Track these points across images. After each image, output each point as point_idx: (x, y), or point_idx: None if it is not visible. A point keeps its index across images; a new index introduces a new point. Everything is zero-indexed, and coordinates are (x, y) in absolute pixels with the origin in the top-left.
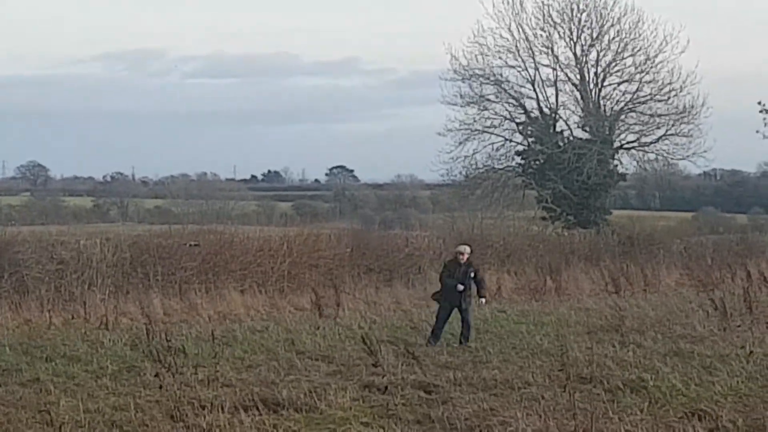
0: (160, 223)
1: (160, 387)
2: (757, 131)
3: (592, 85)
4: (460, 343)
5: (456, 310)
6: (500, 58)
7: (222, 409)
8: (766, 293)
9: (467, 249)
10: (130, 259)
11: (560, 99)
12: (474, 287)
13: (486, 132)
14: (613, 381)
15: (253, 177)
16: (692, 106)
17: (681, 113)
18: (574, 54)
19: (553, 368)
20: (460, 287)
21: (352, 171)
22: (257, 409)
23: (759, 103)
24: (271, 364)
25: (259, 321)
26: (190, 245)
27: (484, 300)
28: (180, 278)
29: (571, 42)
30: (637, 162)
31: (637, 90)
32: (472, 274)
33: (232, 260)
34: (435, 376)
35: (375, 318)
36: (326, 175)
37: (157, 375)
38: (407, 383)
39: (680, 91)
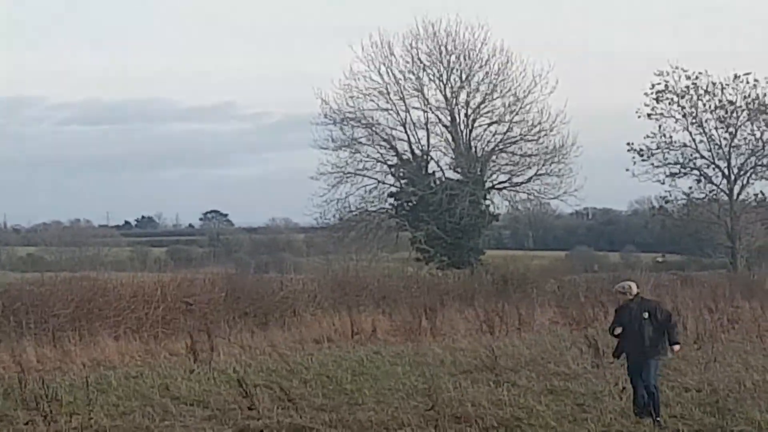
0: (32, 270)
1: None
2: (627, 170)
3: (462, 127)
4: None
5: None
6: (371, 101)
7: None
8: None
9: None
10: (1, 307)
11: (432, 141)
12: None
13: (358, 174)
14: (488, 420)
15: (127, 223)
16: (562, 146)
17: (551, 153)
18: (444, 96)
19: (427, 409)
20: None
21: (226, 215)
22: None
23: (628, 143)
24: (145, 410)
25: (134, 367)
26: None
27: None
28: (53, 326)
29: (441, 84)
30: (510, 202)
31: (507, 131)
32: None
33: (105, 306)
34: (311, 418)
35: (250, 362)
36: (200, 219)
37: (28, 423)
38: (283, 426)
39: (550, 131)
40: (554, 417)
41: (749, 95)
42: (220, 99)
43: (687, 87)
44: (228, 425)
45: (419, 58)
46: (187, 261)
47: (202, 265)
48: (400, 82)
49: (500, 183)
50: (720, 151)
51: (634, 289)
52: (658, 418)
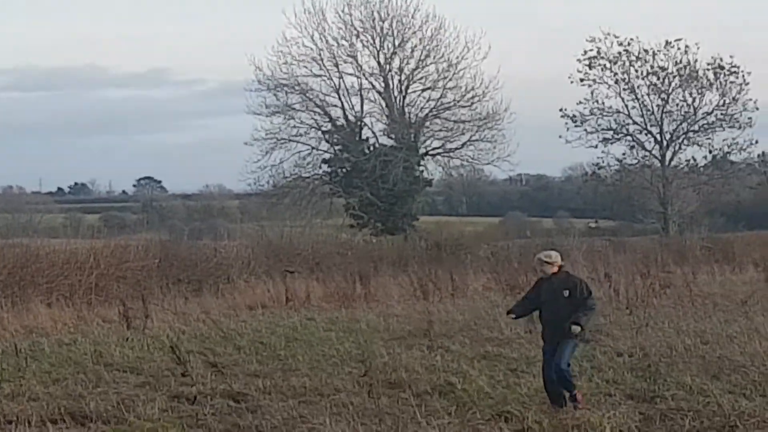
0: None
1: None
2: (560, 136)
3: (396, 93)
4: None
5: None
6: (305, 67)
7: (29, 423)
8: None
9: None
10: None
11: (365, 107)
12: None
13: (292, 141)
14: (421, 385)
15: (60, 189)
16: (495, 112)
17: (484, 119)
18: (378, 62)
19: (362, 375)
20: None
21: (160, 182)
22: (64, 422)
23: (561, 110)
24: (78, 377)
25: (67, 334)
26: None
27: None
28: None
29: (375, 50)
30: (443, 168)
31: (441, 97)
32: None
33: (38, 273)
34: (244, 385)
35: (184, 328)
36: (134, 186)
37: None
38: (216, 393)
39: (483, 97)
40: (487, 382)
41: (681, 61)
42: (154, 65)
43: (619, 53)
44: (161, 392)
45: (352, 25)
46: (120, 228)
47: (136, 232)
48: (333, 48)
49: (434, 149)
50: (652, 117)
51: (558, 260)
52: (573, 392)
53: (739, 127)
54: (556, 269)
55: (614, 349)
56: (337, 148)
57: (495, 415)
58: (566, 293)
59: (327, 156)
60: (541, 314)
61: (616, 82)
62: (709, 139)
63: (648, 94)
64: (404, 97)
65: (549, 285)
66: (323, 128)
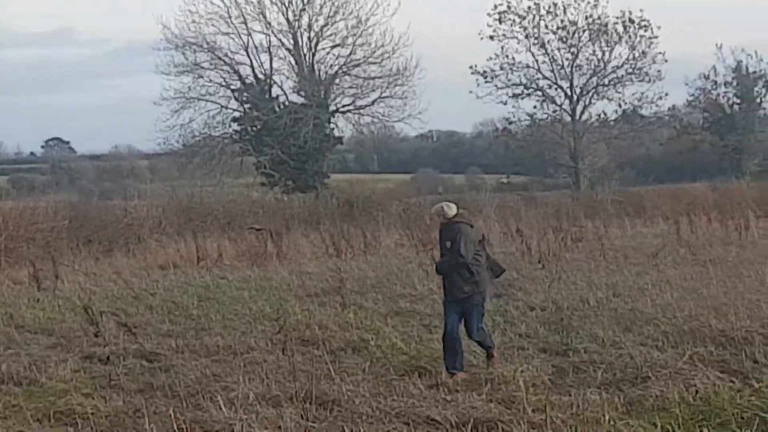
0: None
1: None
2: (471, 92)
3: (305, 50)
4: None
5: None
6: (213, 25)
7: None
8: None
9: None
10: None
11: (275, 64)
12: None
13: (202, 100)
14: (335, 342)
15: None
16: (405, 68)
17: (395, 75)
18: (287, 19)
19: (275, 333)
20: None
21: (68, 143)
22: None
23: (471, 66)
24: None
25: None
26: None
27: None
28: None
29: (283, 7)
30: (354, 125)
31: (351, 53)
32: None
33: None
34: (157, 344)
35: (95, 289)
36: (42, 147)
37: None
38: (129, 353)
39: (393, 54)
40: (401, 338)
41: (590, 15)
42: (57, 25)
43: (529, 7)
44: (74, 352)
45: None
46: (29, 189)
47: (45, 194)
48: (241, 5)
49: (344, 106)
50: (562, 71)
51: (453, 210)
52: (491, 347)
53: (649, 81)
54: (446, 220)
55: (527, 304)
56: (246, 106)
57: (409, 370)
58: (448, 245)
59: (237, 114)
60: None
61: (527, 36)
62: (619, 93)
63: (558, 49)
64: (314, 54)
65: (439, 236)
66: (232, 87)
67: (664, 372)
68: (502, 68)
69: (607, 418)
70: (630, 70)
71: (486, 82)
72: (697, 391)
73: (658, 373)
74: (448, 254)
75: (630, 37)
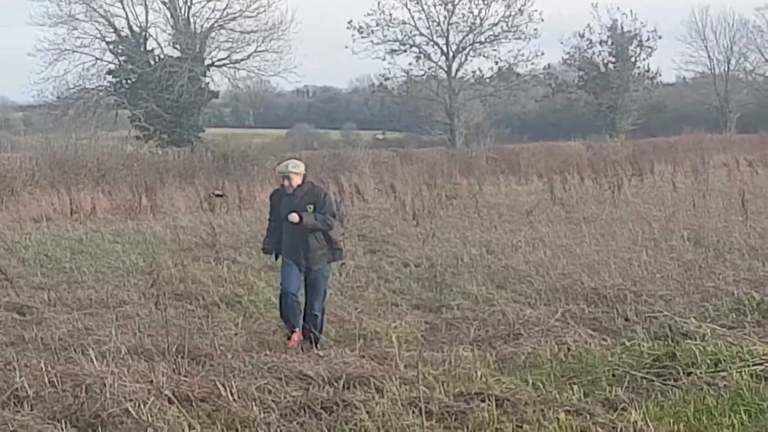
0: None
1: None
2: (347, 47)
3: (181, 3)
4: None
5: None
6: None
7: None
8: (358, 206)
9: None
10: None
11: (150, 17)
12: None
13: (76, 52)
14: (209, 297)
15: None
16: (281, 22)
17: (270, 29)
18: None
19: (148, 287)
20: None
21: None
22: None
23: (348, 21)
24: None
25: None
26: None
27: None
28: None
29: None
30: (229, 79)
31: (226, 7)
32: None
33: None
34: (29, 297)
35: None
36: None
37: None
38: (0, 305)
39: (269, 8)
40: (274, 293)
41: None
42: None
43: None
44: None
45: None
46: None
47: None
48: None
49: (220, 60)
50: (438, 28)
51: (301, 169)
52: (319, 335)
53: (525, 39)
54: (300, 181)
55: (401, 260)
56: (122, 59)
57: (281, 325)
58: (310, 208)
59: (112, 67)
60: (282, 234)
61: None
62: (495, 50)
63: (434, 5)
64: (189, 8)
65: (290, 200)
66: (107, 39)
67: (537, 329)
68: (378, 24)
69: (479, 374)
70: (506, 28)
71: (362, 37)
72: (569, 349)
73: (530, 330)
74: (320, 218)
75: None
